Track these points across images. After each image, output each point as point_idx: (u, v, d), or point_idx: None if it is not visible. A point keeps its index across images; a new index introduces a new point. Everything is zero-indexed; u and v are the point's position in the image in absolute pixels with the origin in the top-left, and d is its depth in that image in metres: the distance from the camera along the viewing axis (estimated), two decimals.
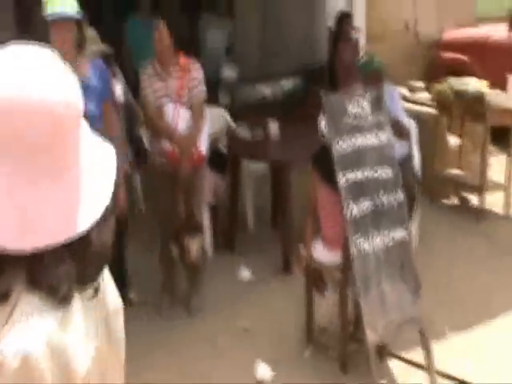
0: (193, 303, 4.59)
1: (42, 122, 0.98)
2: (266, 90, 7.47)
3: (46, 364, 1.02)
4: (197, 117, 4.35)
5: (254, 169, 5.63)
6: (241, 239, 5.44)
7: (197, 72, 4.41)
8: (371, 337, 3.50)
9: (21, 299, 1.04)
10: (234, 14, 8.09)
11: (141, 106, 4.56)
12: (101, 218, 1.08)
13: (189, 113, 4.33)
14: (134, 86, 4.86)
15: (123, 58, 6.60)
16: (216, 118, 5.81)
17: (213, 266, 4.90)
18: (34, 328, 1.02)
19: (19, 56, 1.04)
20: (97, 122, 3.44)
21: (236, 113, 5.98)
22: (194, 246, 4.41)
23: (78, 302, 1.10)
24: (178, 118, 4.31)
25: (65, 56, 3.18)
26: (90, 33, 4.51)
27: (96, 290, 1.15)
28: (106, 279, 1.23)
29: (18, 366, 1.00)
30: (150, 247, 4.99)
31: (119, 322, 1.27)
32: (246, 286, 4.86)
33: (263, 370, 3.81)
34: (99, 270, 1.16)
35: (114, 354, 1.25)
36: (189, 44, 4.56)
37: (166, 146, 4.30)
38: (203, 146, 4.45)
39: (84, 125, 1.11)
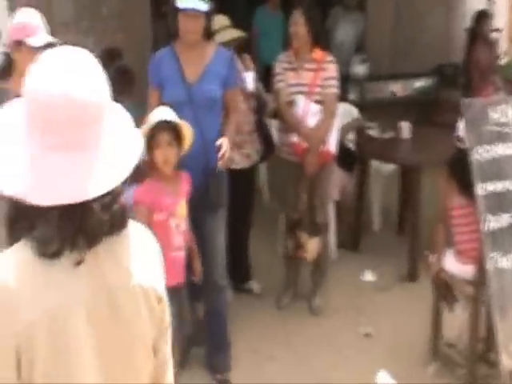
0: (314, 302, 4.55)
1: (74, 110, 1.29)
2: (396, 89, 7.28)
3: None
4: (328, 113, 4.27)
5: (382, 169, 5.51)
6: (365, 240, 5.35)
7: (332, 69, 4.34)
8: (506, 362, 3.29)
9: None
10: (366, 7, 7.91)
11: (272, 96, 4.55)
12: (108, 193, 1.32)
13: (320, 108, 4.28)
14: (260, 75, 4.86)
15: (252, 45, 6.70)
16: (344, 115, 5.73)
17: (336, 265, 4.85)
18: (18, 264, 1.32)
19: (61, 58, 1.35)
20: (217, 103, 3.59)
21: (365, 110, 5.87)
22: (311, 245, 4.34)
23: (66, 263, 1.32)
24: (309, 112, 4.25)
25: (192, 44, 3.14)
26: (224, 21, 4.55)
27: (79, 262, 1.33)
28: (107, 257, 1.40)
29: None
30: (274, 238, 4.99)
31: (128, 302, 1.42)
32: (368, 290, 4.77)
33: (386, 381, 3.73)
34: (93, 238, 1.34)
35: (120, 333, 1.41)
36: (321, 38, 4.48)
37: (294, 139, 4.26)
38: (332, 144, 4.37)
39: (115, 113, 1.39)
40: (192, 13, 3.50)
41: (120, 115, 1.42)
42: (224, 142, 3.50)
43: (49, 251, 1.31)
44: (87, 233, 1.33)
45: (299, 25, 4.22)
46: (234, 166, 4.43)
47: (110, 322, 1.40)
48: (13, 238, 1.35)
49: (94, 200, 1.31)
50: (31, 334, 1.31)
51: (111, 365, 1.42)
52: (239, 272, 4.73)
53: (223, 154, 3.48)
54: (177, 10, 3.54)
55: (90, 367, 1.39)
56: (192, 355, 3.97)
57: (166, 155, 3.23)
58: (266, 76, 4.51)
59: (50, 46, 3.25)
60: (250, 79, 4.41)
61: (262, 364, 3.98)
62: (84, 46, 2.99)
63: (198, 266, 3.58)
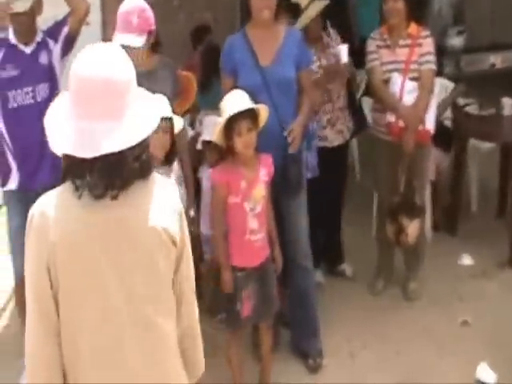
0: (410, 287, 4.40)
1: (104, 85, 1.74)
2: (496, 61, 6.89)
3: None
4: (425, 91, 4.07)
5: (481, 148, 5.23)
6: (463, 223, 5.10)
7: (428, 44, 4.12)
8: None
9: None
10: None
11: (365, 73, 4.38)
12: (135, 146, 1.76)
13: (416, 85, 4.08)
14: (357, 49, 4.68)
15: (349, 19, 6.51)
16: (440, 90, 5.47)
17: (432, 248, 4.63)
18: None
19: (95, 50, 1.80)
20: (292, 85, 3.57)
21: (462, 85, 5.58)
22: (411, 228, 4.13)
23: (90, 202, 1.78)
24: (405, 90, 4.05)
25: (265, 24, 3.49)
26: None
27: (115, 197, 1.78)
28: (132, 200, 1.82)
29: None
30: (366, 219, 4.89)
31: (145, 238, 1.83)
32: (466, 275, 4.56)
33: (487, 374, 3.55)
34: (127, 181, 1.79)
35: (138, 260, 1.82)
36: (417, 9, 4.25)
37: (390, 118, 4.08)
38: (430, 122, 4.15)
39: (136, 90, 1.86)
40: None
41: (140, 92, 1.89)
42: (295, 127, 3.50)
43: (96, 193, 1.76)
44: (122, 177, 1.78)
45: (397, 1, 4.02)
46: (327, 144, 4.32)
47: (129, 252, 1.82)
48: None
49: (127, 152, 1.76)
50: (54, 252, 1.77)
51: (131, 284, 1.82)
52: (331, 254, 4.64)
53: (293, 139, 3.49)
54: None
55: (112, 286, 1.80)
56: (284, 340, 3.92)
57: (247, 141, 3.26)
58: (363, 48, 4.31)
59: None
60: (343, 52, 4.22)
61: (355, 353, 3.89)
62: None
63: (277, 256, 3.54)
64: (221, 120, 3.24)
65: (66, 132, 1.76)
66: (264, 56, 3.59)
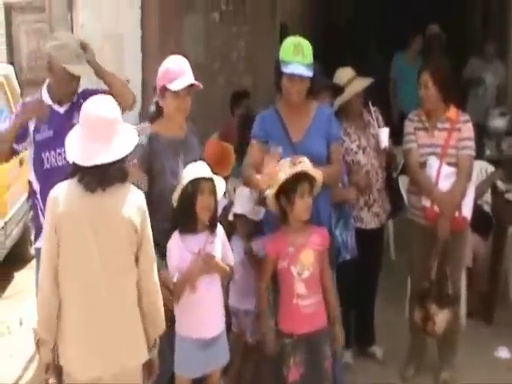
0: (442, 377, 4.20)
1: (101, 120, 2.81)
2: None
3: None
4: (462, 177, 3.98)
5: None
6: (500, 312, 4.91)
7: (468, 129, 4.05)
8: None
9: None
10: (507, 56, 7.50)
11: (403, 154, 4.26)
12: (117, 160, 2.79)
13: (453, 170, 3.97)
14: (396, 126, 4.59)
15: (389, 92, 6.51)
16: (480, 173, 5.36)
17: (466, 336, 4.45)
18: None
19: (99, 98, 2.93)
20: (322, 160, 3.61)
21: (502, 169, 5.46)
22: (440, 317, 3.97)
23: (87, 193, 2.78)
24: (441, 175, 3.97)
25: (295, 103, 3.66)
26: (349, 73, 4.41)
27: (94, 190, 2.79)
28: (112, 196, 2.82)
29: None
30: (400, 299, 4.76)
31: (117, 223, 2.81)
32: (503, 369, 4.36)
33: None
34: (110, 182, 2.79)
35: (112, 238, 2.81)
36: (454, 95, 4.17)
37: (426, 202, 4.00)
38: (467, 209, 4.04)
39: (123, 125, 2.90)
40: (297, 78, 3.53)
41: (125, 128, 2.91)
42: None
43: (90, 188, 2.78)
44: (108, 179, 2.79)
45: (428, 87, 4.01)
46: (362, 226, 4.21)
47: (105, 228, 2.80)
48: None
49: (112, 163, 2.78)
50: (59, 221, 2.76)
51: (107, 254, 2.80)
52: (362, 335, 4.49)
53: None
54: (281, 72, 3.57)
55: (93, 253, 2.78)
56: None
57: (307, 204, 3.39)
58: (402, 124, 4.24)
59: (189, 87, 3.43)
60: (384, 135, 4.18)
61: None
62: (214, 86, 3.18)
63: (336, 331, 3.55)
64: (281, 178, 3.34)
65: (76, 148, 2.83)
66: (295, 132, 3.66)
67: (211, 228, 3.34)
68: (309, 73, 3.53)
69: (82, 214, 2.77)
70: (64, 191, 2.81)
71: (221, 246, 3.39)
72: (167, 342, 3.34)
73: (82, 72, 3.72)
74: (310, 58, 3.57)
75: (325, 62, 4.08)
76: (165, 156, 3.45)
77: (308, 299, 3.43)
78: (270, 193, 3.40)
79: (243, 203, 3.87)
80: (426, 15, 8.75)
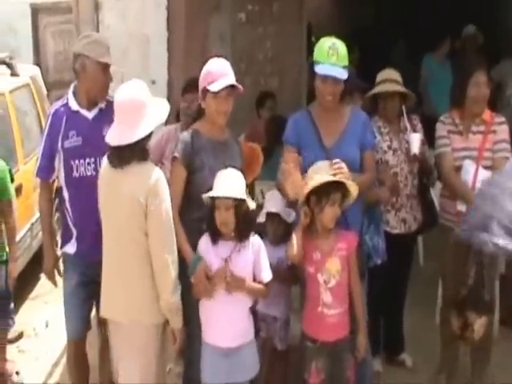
0: None
1: (127, 105, 3.25)
2: None
3: None
4: None
5: None
6: None
7: (504, 131, 3.97)
8: None
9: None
10: None
11: (435, 158, 4.19)
12: (136, 142, 3.21)
13: (489, 174, 3.88)
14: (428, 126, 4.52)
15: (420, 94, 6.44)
16: None
17: (499, 345, 4.34)
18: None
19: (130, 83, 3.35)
20: (355, 165, 3.53)
21: None
22: (478, 324, 3.88)
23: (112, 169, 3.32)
24: (478, 179, 3.88)
25: (329, 106, 3.61)
26: (390, 75, 4.37)
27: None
28: (127, 175, 3.25)
29: None
30: (429, 306, 4.67)
31: (129, 199, 3.20)
32: None
33: None
34: (128, 161, 3.23)
35: (125, 208, 3.23)
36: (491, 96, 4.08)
37: (462, 207, 3.91)
38: None
39: (152, 106, 3.29)
40: (331, 79, 3.46)
41: (153, 110, 3.27)
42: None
43: (113, 164, 3.26)
44: (125, 158, 3.21)
45: (484, 87, 3.91)
46: (388, 229, 4.13)
47: (116, 203, 3.26)
48: None
49: (132, 144, 3.18)
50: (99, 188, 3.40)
51: (117, 223, 3.28)
52: (392, 342, 4.42)
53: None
54: (314, 72, 3.51)
55: (109, 219, 3.34)
56: None
57: (336, 213, 3.33)
58: (432, 126, 4.15)
59: (227, 88, 3.41)
60: (415, 141, 4.09)
61: None
62: (242, 85, 3.48)
63: (361, 341, 3.49)
64: (317, 180, 3.29)
65: (111, 128, 3.31)
66: (328, 136, 3.58)
67: (239, 237, 3.30)
68: (343, 75, 3.46)
69: (105, 186, 3.34)
70: (103, 166, 3.41)
71: (253, 259, 3.35)
72: (198, 351, 3.35)
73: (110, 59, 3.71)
74: (345, 60, 3.51)
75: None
76: (205, 154, 3.46)
77: (334, 309, 3.39)
78: (301, 197, 3.35)
79: (276, 203, 3.83)
80: (455, 16, 8.63)
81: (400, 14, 10.90)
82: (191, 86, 4.02)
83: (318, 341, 3.43)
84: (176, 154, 3.48)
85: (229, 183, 3.27)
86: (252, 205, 3.31)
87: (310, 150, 3.56)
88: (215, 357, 3.33)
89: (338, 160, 3.34)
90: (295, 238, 3.39)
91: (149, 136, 3.26)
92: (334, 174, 3.30)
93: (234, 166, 3.41)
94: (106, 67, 3.67)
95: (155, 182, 3.17)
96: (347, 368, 3.44)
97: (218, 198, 3.24)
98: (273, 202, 3.91)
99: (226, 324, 3.31)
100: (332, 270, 3.38)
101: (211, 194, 3.25)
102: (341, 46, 3.52)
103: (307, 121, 3.64)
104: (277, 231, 3.86)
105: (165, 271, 3.21)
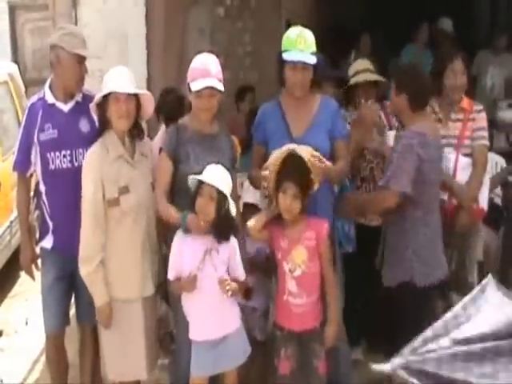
0: None
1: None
2: None
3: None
4: (479, 168, 3.93)
5: None
6: None
7: (482, 119, 4.00)
8: None
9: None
10: None
11: None
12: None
13: (470, 161, 3.90)
14: None
15: None
16: (491, 165, 5.27)
17: None
18: None
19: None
20: (325, 155, 3.38)
21: None
22: None
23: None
24: (459, 166, 3.91)
25: (298, 95, 3.60)
26: (363, 65, 4.41)
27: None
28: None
29: None
30: None
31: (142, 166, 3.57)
32: None
33: None
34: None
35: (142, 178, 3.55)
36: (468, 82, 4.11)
37: (443, 195, 3.88)
38: (484, 200, 3.99)
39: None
40: (300, 66, 3.41)
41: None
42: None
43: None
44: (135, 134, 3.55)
45: (461, 75, 3.92)
46: (364, 222, 4.15)
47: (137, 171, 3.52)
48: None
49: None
50: None
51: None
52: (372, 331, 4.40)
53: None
54: (283, 62, 3.46)
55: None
56: None
57: (288, 202, 3.27)
58: None
59: (210, 88, 3.35)
60: (390, 138, 4.06)
61: None
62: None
63: (328, 332, 3.42)
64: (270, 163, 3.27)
65: None
66: (297, 126, 3.54)
67: (217, 236, 3.30)
68: (311, 60, 3.43)
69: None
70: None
71: (228, 256, 3.35)
72: (187, 345, 3.38)
73: (85, 52, 3.69)
74: (312, 47, 3.49)
75: (331, 57, 4.03)
76: (190, 145, 3.47)
77: (299, 298, 3.35)
78: (267, 183, 3.33)
79: (254, 194, 3.86)
80: (430, 7, 8.73)
81: (378, 8, 10.95)
82: None
83: (285, 329, 3.40)
84: (162, 147, 3.54)
85: (218, 176, 3.26)
86: (233, 209, 3.30)
87: (278, 140, 3.50)
88: (202, 349, 3.33)
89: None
90: (260, 216, 3.38)
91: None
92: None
93: (221, 159, 3.41)
94: (81, 59, 3.66)
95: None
96: (316, 357, 3.39)
97: (203, 184, 3.22)
98: (250, 193, 3.92)
99: (211, 316, 3.31)
100: (297, 260, 3.33)
101: (200, 176, 3.23)
102: (308, 34, 3.50)
103: (276, 111, 3.61)
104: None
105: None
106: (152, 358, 3.65)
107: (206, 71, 3.37)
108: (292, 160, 3.25)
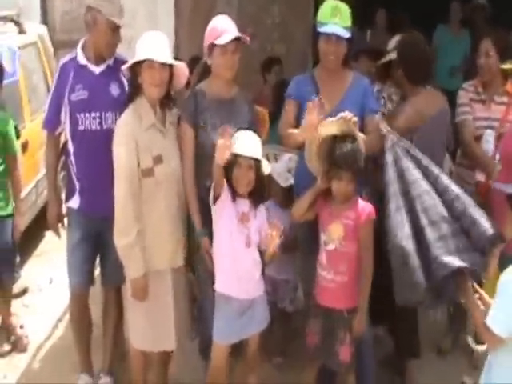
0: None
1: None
2: None
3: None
4: None
5: None
6: None
7: None
8: None
9: None
10: None
11: (457, 128, 4.10)
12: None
13: None
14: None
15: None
16: None
17: None
18: None
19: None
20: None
21: None
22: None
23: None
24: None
25: (332, 69, 3.67)
26: None
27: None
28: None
29: None
30: None
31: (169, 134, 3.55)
32: None
33: None
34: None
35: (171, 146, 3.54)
36: None
37: (480, 176, 3.89)
38: None
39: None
40: (334, 38, 3.48)
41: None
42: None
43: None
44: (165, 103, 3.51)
45: (490, 56, 3.89)
46: None
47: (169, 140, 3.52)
48: None
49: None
50: None
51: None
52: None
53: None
54: (318, 34, 3.52)
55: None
56: None
57: (342, 188, 3.33)
58: None
59: (234, 42, 3.42)
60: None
61: None
62: (247, 52, 3.45)
63: (359, 318, 3.41)
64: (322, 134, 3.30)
65: None
66: (328, 99, 3.53)
67: (254, 199, 3.36)
68: (346, 34, 3.48)
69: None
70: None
71: (258, 229, 3.40)
72: (210, 308, 3.45)
73: (121, 22, 3.72)
74: (348, 21, 3.53)
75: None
76: (208, 112, 3.51)
77: (328, 273, 3.37)
78: (310, 148, 3.34)
79: (285, 179, 3.95)
80: None
81: None
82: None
83: (315, 300, 3.45)
84: (181, 115, 3.57)
85: (250, 143, 3.29)
86: (267, 169, 3.35)
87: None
88: (230, 316, 3.37)
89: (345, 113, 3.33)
90: (303, 198, 3.42)
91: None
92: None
93: (240, 123, 3.46)
94: (115, 27, 3.67)
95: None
96: (338, 342, 3.38)
97: (241, 156, 3.24)
98: (282, 178, 3.99)
99: (245, 275, 3.35)
100: (333, 234, 3.35)
101: (236, 150, 3.24)
102: (343, 8, 3.54)
103: (309, 83, 3.66)
104: (277, 194, 3.95)
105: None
106: (180, 329, 3.64)
107: (229, 26, 3.49)
108: (346, 145, 3.27)
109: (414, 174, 3.16)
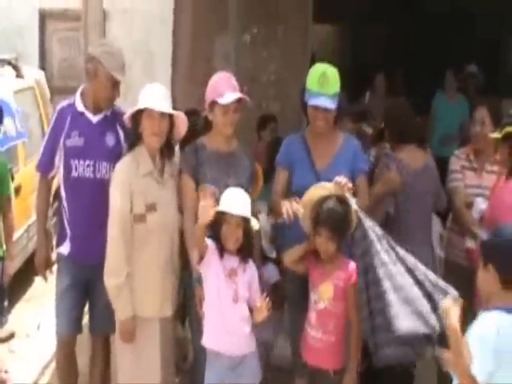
0: None
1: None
2: None
3: None
4: None
5: None
6: None
7: None
8: None
9: None
10: None
11: (447, 192, 4.19)
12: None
13: None
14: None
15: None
16: None
17: None
18: None
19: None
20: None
21: None
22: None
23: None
24: None
25: (322, 131, 3.74)
26: None
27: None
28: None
29: None
30: None
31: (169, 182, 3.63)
32: None
33: None
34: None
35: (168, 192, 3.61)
36: None
37: (470, 243, 3.91)
38: None
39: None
40: (322, 109, 3.54)
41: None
42: None
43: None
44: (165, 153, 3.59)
45: (485, 124, 3.96)
46: None
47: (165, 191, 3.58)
48: None
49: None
50: None
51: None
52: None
53: None
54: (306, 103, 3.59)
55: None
56: None
57: (323, 244, 3.37)
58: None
59: (237, 102, 3.50)
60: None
61: None
62: (243, 108, 3.57)
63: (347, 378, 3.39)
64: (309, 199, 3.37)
65: None
66: (320, 160, 3.65)
67: (243, 256, 3.38)
68: (332, 105, 3.53)
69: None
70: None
71: (248, 285, 3.40)
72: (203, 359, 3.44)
73: (122, 76, 3.73)
74: (335, 88, 3.59)
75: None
76: (208, 165, 3.57)
77: (317, 333, 3.38)
78: (304, 209, 3.36)
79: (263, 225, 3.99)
80: (459, 54, 8.76)
81: (403, 49, 11.04)
82: None
83: (302, 358, 3.45)
84: (181, 167, 3.62)
85: (239, 201, 3.31)
86: (256, 225, 3.38)
87: (302, 171, 3.63)
88: (219, 371, 3.36)
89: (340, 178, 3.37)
90: (294, 250, 3.47)
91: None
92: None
93: (239, 177, 3.53)
94: (116, 82, 3.71)
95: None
96: None
97: (228, 214, 3.27)
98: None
99: (231, 331, 3.34)
100: (324, 294, 3.37)
101: (224, 208, 3.27)
102: (332, 74, 3.58)
103: (300, 144, 3.72)
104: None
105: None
106: (167, 379, 3.64)
107: (232, 85, 3.54)
108: (329, 203, 3.33)
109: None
